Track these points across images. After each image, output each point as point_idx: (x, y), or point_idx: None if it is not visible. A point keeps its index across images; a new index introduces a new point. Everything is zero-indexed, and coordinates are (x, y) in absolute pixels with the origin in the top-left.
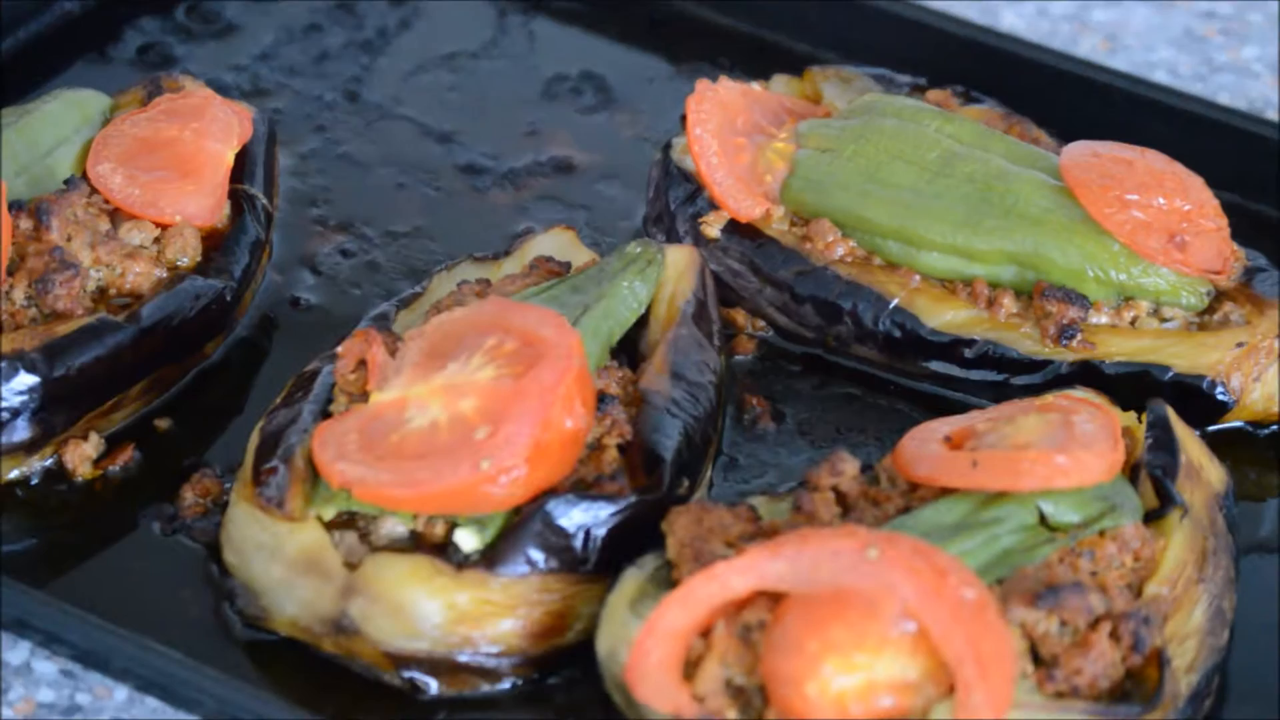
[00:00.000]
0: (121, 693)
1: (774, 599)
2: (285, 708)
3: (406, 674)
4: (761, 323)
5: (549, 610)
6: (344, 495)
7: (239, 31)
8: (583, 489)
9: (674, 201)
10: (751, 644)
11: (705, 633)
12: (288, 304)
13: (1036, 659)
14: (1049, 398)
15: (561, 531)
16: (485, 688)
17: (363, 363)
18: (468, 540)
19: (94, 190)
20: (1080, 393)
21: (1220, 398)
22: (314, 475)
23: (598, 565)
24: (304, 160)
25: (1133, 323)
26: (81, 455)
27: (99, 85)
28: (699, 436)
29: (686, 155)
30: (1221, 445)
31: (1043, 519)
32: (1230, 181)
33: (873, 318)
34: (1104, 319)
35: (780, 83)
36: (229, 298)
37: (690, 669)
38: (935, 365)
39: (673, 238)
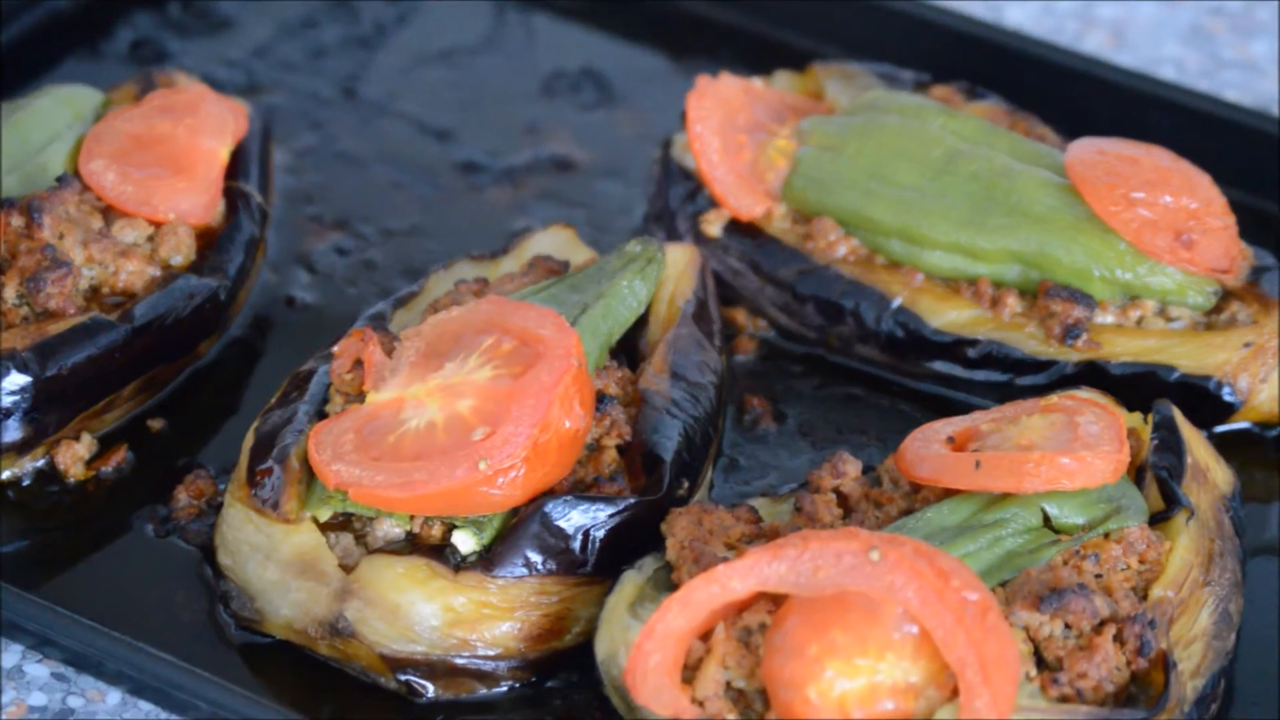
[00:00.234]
0: (114, 696)
1: (775, 601)
2: (280, 711)
3: (403, 677)
4: (763, 322)
5: (547, 613)
6: (340, 496)
7: (233, 26)
8: (582, 490)
9: (674, 199)
10: (752, 647)
11: (705, 635)
12: (283, 303)
13: (1040, 662)
14: (1053, 398)
15: (560, 533)
16: (482, 691)
17: (359, 362)
18: (465, 542)
19: (86, 187)
20: (1085, 393)
21: (1227, 398)
22: (309, 476)
23: (596, 567)
24: (300, 157)
25: (1138, 322)
26: (74, 456)
27: (91, 81)
28: (699, 437)
29: (687, 153)
30: (1228, 447)
31: (1047, 521)
32: (1237, 179)
33: (875, 317)
34: (1109, 318)
35: (782, 79)
36: (223, 296)
37: (690, 672)
38: (938, 365)
39: (673, 236)
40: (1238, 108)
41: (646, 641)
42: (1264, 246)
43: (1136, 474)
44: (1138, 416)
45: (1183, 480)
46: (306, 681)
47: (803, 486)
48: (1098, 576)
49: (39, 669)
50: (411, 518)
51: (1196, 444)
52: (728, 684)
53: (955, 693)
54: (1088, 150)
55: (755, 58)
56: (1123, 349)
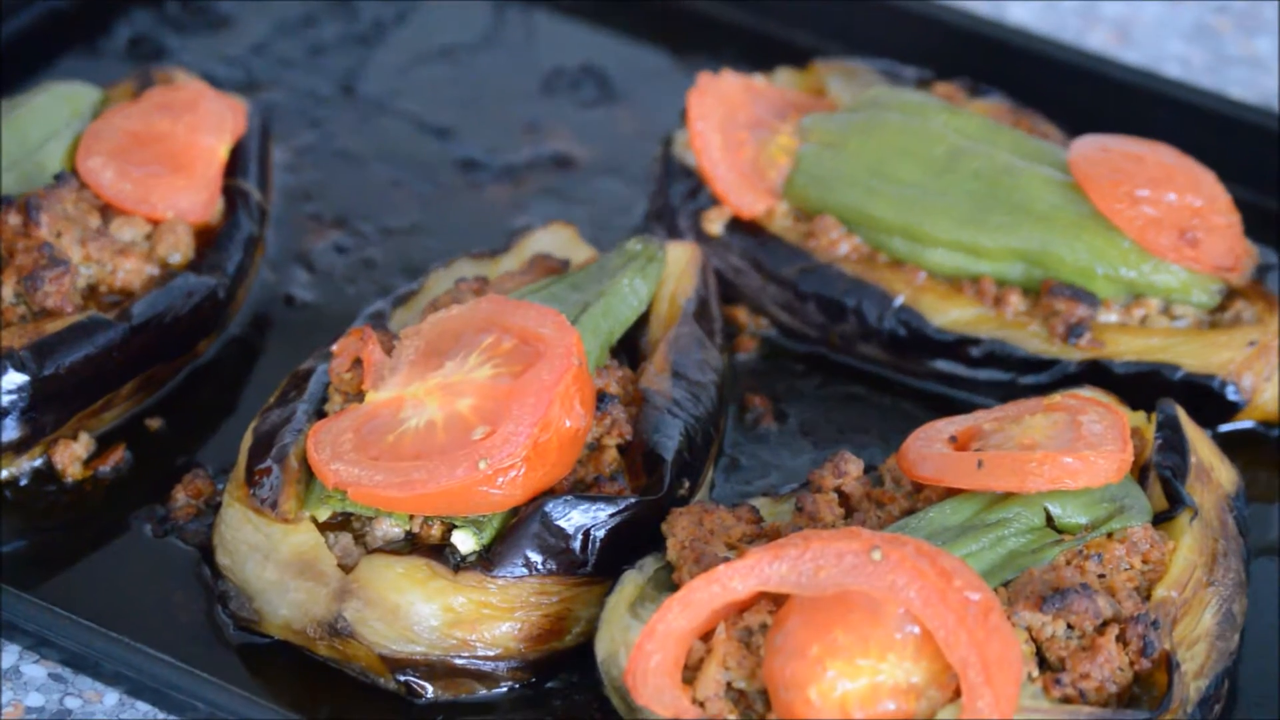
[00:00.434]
0: (112, 697)
1: (776, 601)
2: (278, 712)
3: (402, 678)
4: (764, 321)
5: (547, 613)
6: (339, 496)
7: (232, 23)
8: (582, 490)
9: (675, 197)
10: (753, 647)
11: (706, 636)
12: (282, 301)
13: (1043, 663)
14: (1057, 397)
15: (560, 533)
16: (482, 692)
17: (358, 361)
18: (465, 542)
19: (84, 185)
20: (1088, 392)
21: (1231, 397)
22: (308, 476)
23: (597, 567)
24: (299, 155)
25: (1142, 321)
26: (71, 455)
27: (89, 78)
28: (700, 437)
29: (688, 150)
30: (1232, 446)
31: (1050, 521)
32: (1242, 176)
33: (877, 316)
34: (1113, 317)
35: (784, 76)
36: (222, 295)
37: (691, 672)
38: (941, 364)
39: (674, 234)
40: (1242, 105)
41: (647, 642)
42: (1268, 244)
43: (1140, 473)
44: (1141, 416)
45: (1186, 480)
46: (305, 682)
47: (804, 486)
48: (1101, 576)
49: (36, 669)
50: (411, 517)
51: (1200, 443)
52: (729, 684)
53: (957, 693)
54: (1091, 148)
55: (757, 54)
56: (1126, 348)
